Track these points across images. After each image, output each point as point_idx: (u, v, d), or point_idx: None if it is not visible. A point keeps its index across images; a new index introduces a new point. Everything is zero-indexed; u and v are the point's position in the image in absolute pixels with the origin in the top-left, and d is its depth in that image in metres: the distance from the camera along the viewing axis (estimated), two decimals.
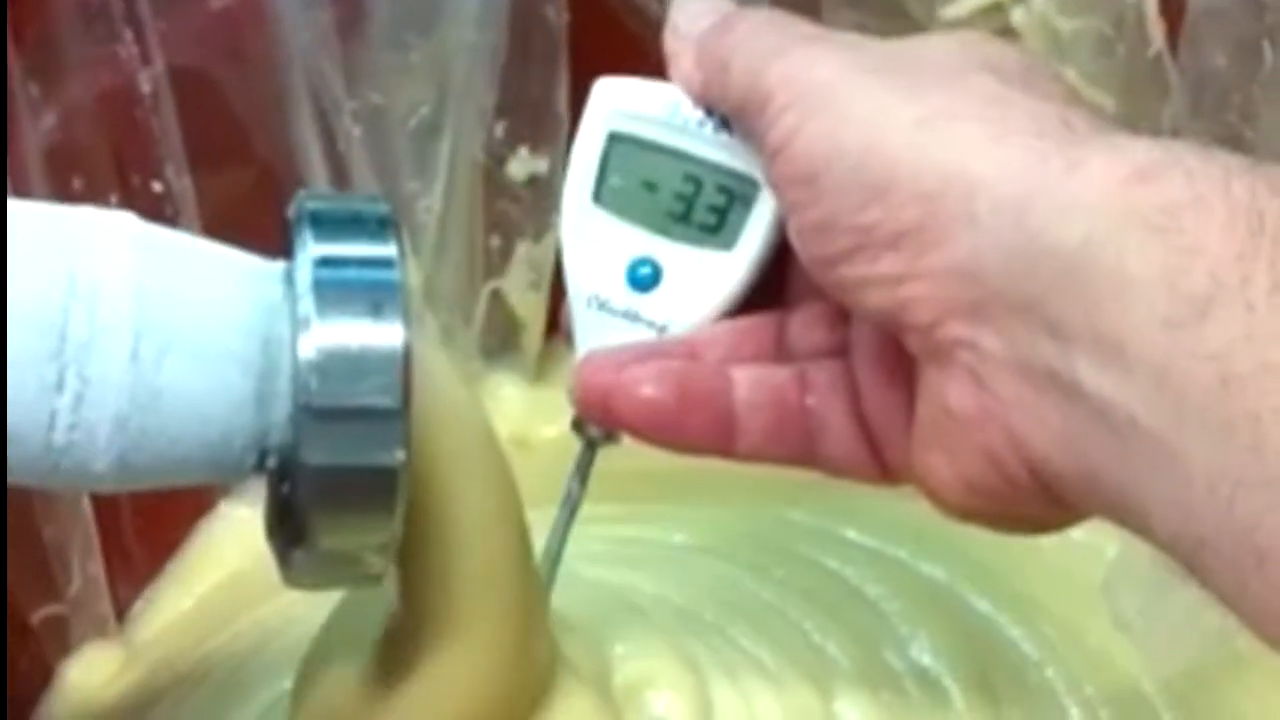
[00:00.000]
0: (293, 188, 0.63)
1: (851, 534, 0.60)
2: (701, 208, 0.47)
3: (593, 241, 0.48)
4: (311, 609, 0.55)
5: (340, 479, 0.39)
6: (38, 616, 0.61)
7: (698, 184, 0.47)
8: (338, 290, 0.39)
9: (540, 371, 0.72)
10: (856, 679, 0.53)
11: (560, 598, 0.49)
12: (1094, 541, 0.58)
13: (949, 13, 0.62)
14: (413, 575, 0.44)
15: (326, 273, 0.39)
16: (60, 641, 0.62)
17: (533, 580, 0.47)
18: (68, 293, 0.38)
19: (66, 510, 0.60)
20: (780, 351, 0.47)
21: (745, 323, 0.47)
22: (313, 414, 0.39)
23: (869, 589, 0.57)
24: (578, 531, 0.48)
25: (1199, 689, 0.53)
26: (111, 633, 0.63)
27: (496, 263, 0.69)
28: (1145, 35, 0.60)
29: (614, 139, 0.47)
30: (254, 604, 0.62)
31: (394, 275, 0.40)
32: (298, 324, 0.39)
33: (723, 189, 0.47)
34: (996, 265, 0.38)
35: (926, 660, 0.54)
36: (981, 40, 0.44)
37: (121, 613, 0.64)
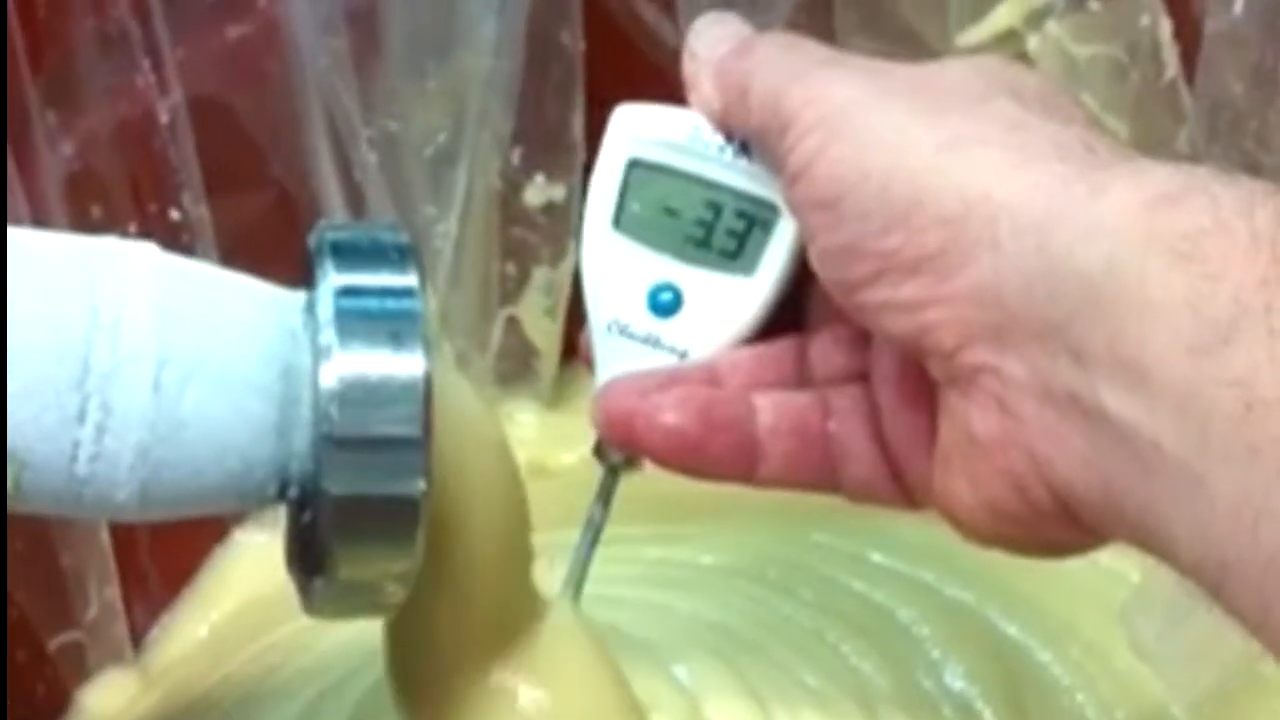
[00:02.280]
0: (309, 215, 0.64)
1: (877, 557, 0.60)
2: (722, 233, 0.47)
3: (613, 267, 0.48)
4: (328, 633, 0.55)
5: (361, 508, 0.39)
6: (55, 643, 0.61)
7: (718, 209, 0.47)
8: (359, 320, 0.39)
9: (556, 398, 0.72)
10: (897, 703, 0.53)
11: (607, 619, 0.49)
12: (1119, 566, 0.58)
13: (965, 39, 0.62)
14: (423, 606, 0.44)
15: (348, 302, 0.40)
16: (77, 668, 0.62)
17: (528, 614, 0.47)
18: (91, 323, 0.38)
19: (84, 537, 0.60)
20: (801, 377, 0.47)
21: (766, 348, 0.47)
22: (334, 443, 0.39)
23: (900, 612, 0.57)
24: (607, 552, 0.48)
25: (1226, 713, 0.53)
26: (128, 659, 0.63)
27: (512, 289, 0.69)
28: (1160, 62, 0.60)
29: (634, 165, 0.47)
30: (269, 630, 0.62)
31: (415, 305, 0.40)
32: (319, 353, 0.39)
33: (743, 214, 0.47)
34: (1018, 290, 0.38)
35: (959, 685, 0.54)
36: (1001, 65, 0.44)
37: (138, 639, 0.64)
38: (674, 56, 0.48)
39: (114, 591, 0.62)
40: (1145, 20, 0.60)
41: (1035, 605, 0.58)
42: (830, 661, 0.54)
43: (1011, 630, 0.57)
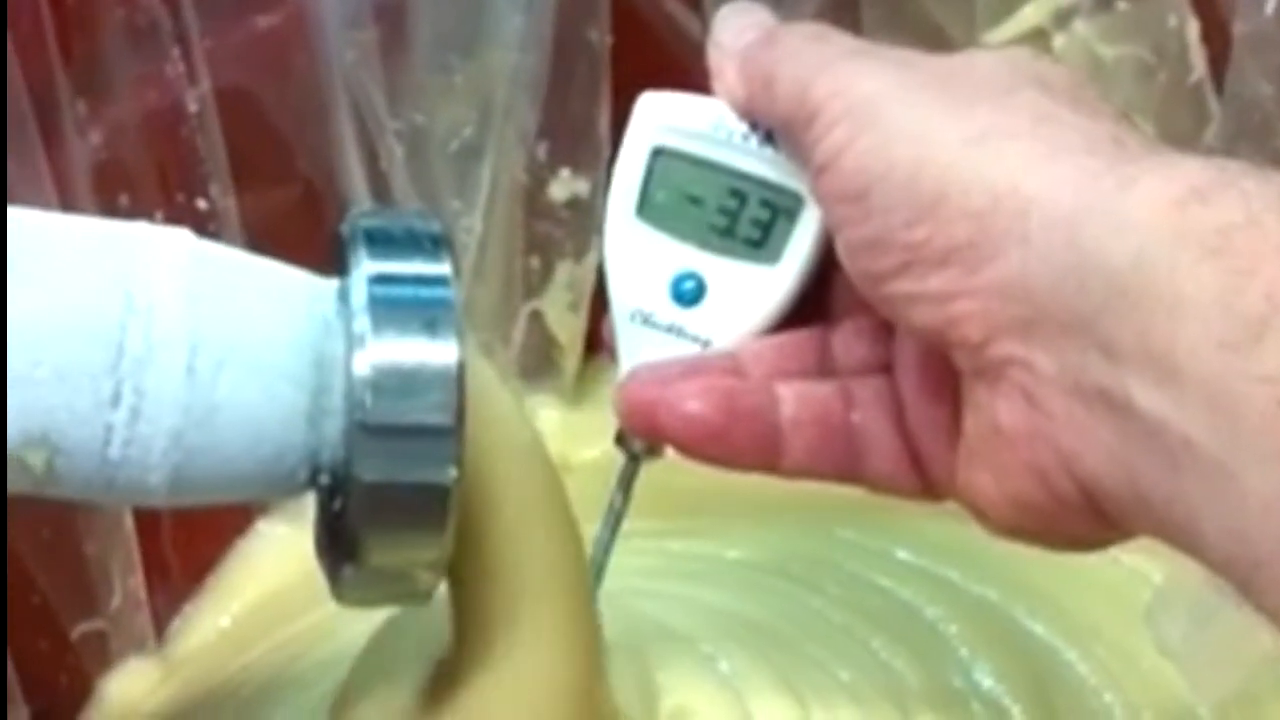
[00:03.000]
0: (335, 207, 0.64)
1: (902, 554, 0.60)
2: (746, 222, 0.47)
3: (636, 256, 0.48)
4: (348, 624, 0.55)
5: (393, 496, 0.39)
6: (78, 632, 0.61)
7: (742, 198, 0.47)
8: (392, 308, 0.39)
9: (578, 393, 0.72)
10: (928, 700, 0.53)
11: (640, 612, 0.49)
12: (1143, 565, 0.58)
13: (991, 38, 0.63)
14: (464, 595, 0.44)
15: (381, 290, 0.40)
16: (100, 657, 0.62)
17: (587, 600, 0.46)
18: (125, 308, 0.38)
19: (108, 527, 0.60)
20: (824, 367, 0.47)
21: (789, 338, 0.47)
22: (367, 431, 0.39)
23: (926, 610, 0.57)
24: (630, 545, 0.48)
25: (1253, 713, 0.53)
26: (150, 648, 0.64)
27: (536, 283, 0.69)
28: (1186, 63, 0.60)
29: (658, 153, 0.47)
30: (291, 620, 0.62)
31: (448, 293, 0.40)
32: (353, 341, 0.39)
33: (767, 203, 0.47)
34: (1047, 283, 0.38)
35: (988, 683, 0.54)
36: (1030, 57, 0.43)
37: (160, 629, 0.64)
38: (700, 51, 0.48)
39: (137, 581, 0.62)
40: (1173, 21, 0.60)
41: (1059, 604, 0.58)
42: (862, 657, 0.54)
43: (1038, 629, 0.57)
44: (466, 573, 0.43)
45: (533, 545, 0.44)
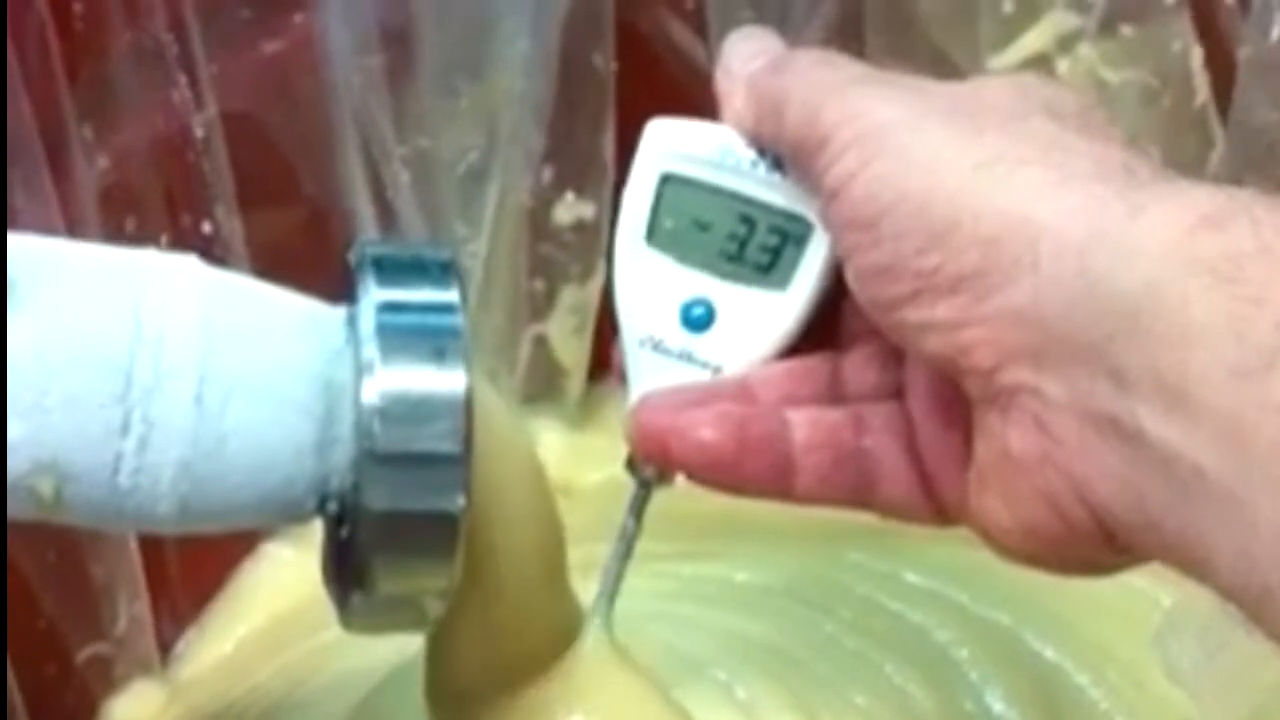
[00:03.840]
0: (341, 232, 0.64)
1: (911, 577, 0.59)
2: (755, 248, 0.47)
3: (646, 282, 0.48)
4: (354, 648, 0.55)
5: (401, 524, 0.39)
6: (83, 655, 0.61)
7: (751, 224, 0.47)
8: (401, 335, 0.39)
9: (582, 417, 0.72)
10: None
11: (651, 634, 0.48)
12: (1153, 589, 0.58)
13: (995, 63, 0.63)
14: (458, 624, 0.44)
15: (390, 318, 0.40)
16: (105, 680, 0.62)
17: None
18: (134, 336, 0.38)
19: (114, 551, 0.60)
20: (834, 393, 0.47)
21: (800, 364, 0.47)
22: (375, 459, 0.39)
23: (937, 633, 0.57)
24: (641, 568, 0.48)
25: None
26: (155, 672, 0.64)
27: (540, 307, 0.69)
28: (1190, 88, 0.61)
29: (666, 180, 0.47)
30: (296, 644, 0.62)
31: (456, 321, 0.40)
32: (361, 369, 0.39)
33: (776, 229, 0.47)
34: (1058, 311, 0.38)
35: (999, 707, 0.54)
36: (1039, 83, 0.43)
37: (165, 652, 0.65)
38: (705, 78, 0.48)
39: (143, 604, 0.62)
40: (1177, 46, 0.61)
41: (1070, 628, 0.58)
42: (876, 681, 0.54)
43: (1048, 653, 0.57)
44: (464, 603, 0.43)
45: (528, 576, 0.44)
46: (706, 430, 0.45)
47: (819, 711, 0.51)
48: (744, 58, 0.46)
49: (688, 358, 0.47)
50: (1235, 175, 0.54)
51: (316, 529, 0.43)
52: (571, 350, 0.70)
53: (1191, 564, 0.37)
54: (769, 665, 0.53)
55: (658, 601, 0.55)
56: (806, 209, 0.46)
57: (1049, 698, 0.55)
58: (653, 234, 0.48)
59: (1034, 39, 0.63)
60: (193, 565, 0.65)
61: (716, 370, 0.47)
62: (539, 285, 0.69)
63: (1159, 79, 0.61)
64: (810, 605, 0.57)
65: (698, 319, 0.47)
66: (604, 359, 0.50)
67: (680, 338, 0.47)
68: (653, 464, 0.47)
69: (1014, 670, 0.56)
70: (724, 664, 0.52)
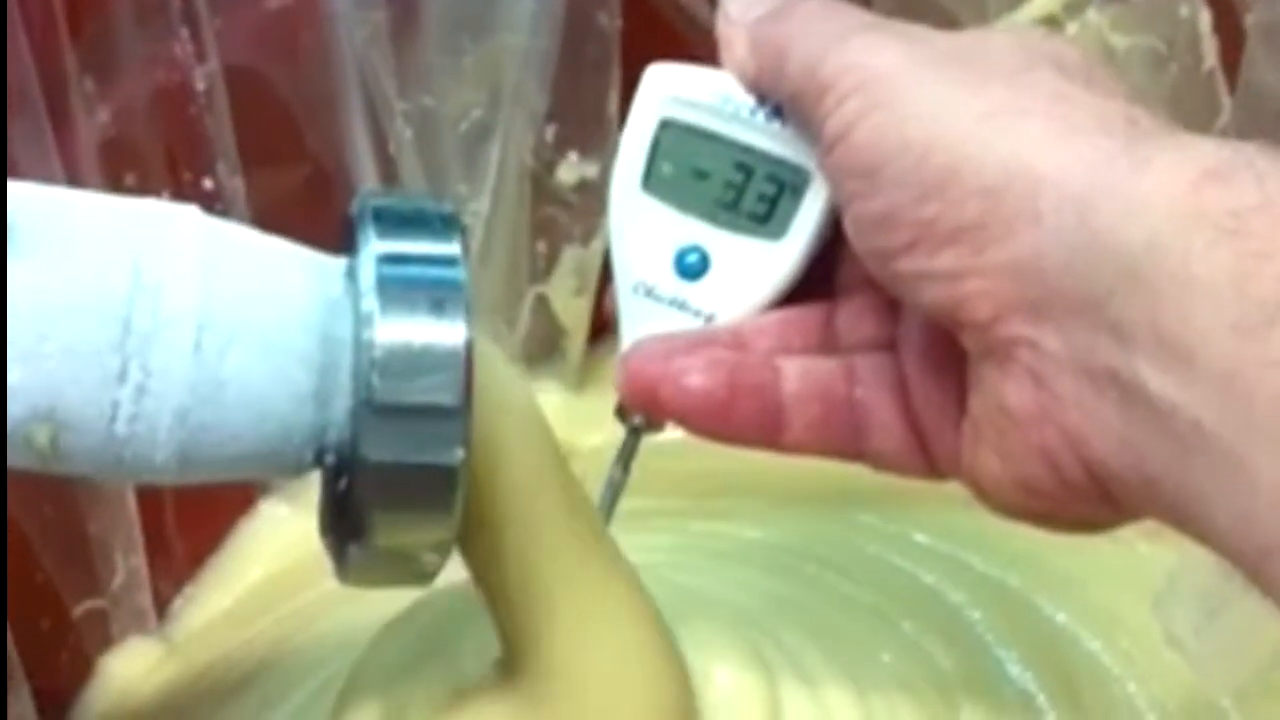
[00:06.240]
0: (343, 188, 0.64)
1: (921, 538, 0.59)
2: (751, 196, 0.47)
3: (641, 228, 0.47)
4: (350, 603, 0.55)
5: (400, 476, 0.39)
6: (80, 610, 0.61)
7: (748, 172, 0.47)
8: (401, 287, 0.39)
9: (583, 379, 0.71)
10: (966, 685, 0.52)
11: (687, 593, 0.48)
12: (1159, 553, 0.57)
13: (1003, 26, 0.62)
14: (494, 586, 0.44)
15: (390, 269, 0.39)
16: (101, 635, 0.62)
17: (628, 571, 0.46)
18: (133, 284, 0.38)
19: (111, 505, 0.60)
20: (828, 343, 0.46)
21: (793, 313, 0.47)
22: (374, 410, 0.39)
23: (950, 595, 0.56)
24: (651, 524, 0.48)
25: (1274, 706, 0.53)
26: (151, 628, 0.64)
27: (542, 268, 0.69)
28: (1198, 53, 0.60)
29: (665, 125, 0.47)
30: (292, 600, 0.62)
31: (457, 273, 0.40)
32: (360, 320, 0.39)
33: (773, 178, 0.46)
34: (1058, 264, 0.38)
35: (1015, 670, 0.54)
36: (1044, 36, 0.43)
37: (162, 609, 0.65)
38: (709, 36, 0.48)
39: (139, 560, 0.62)
40: (1185, 11, 0.60)
41: (1081, 592, 0.57)
42: (898, 639, 0.53)
43: (1060, 617, 0.56)
44: (481, 555, 0.43)
45: (544, 523, 0.44)
46: (696, 377, 0.45)
47: (851, 667, 0.50)
48: (745, 4, 0.46)
49: (681, 305, 0.47)
50: (1242, 140, 0.54)
51: (314, 488, 0.43)
52: (573, 312, 0.70)
53: (1189, 523, 0.37)
54: (797, 621, 0.52)
55: (673, 555, 0.54)
56: (805, 158, 0.46)
57: (1063, 662, 0.55)
58: (649, 180, 0.47)
59: (1042, 2, 0.62)
60: (190, 522, 0.65)
61: (709, 318, 0.47)
62: (540, 246, 0.69)
63: (1167, 44, 0.61)
64: (823, 564, 0.57)
65: (692, 266, 0.47)
66: (605, 320, 0.49)
67: (674, 285, 0.47)
68: (642, 411, 0.47)
69: (1028, 634, 0.55)
70: (751, 614, 0.51)
